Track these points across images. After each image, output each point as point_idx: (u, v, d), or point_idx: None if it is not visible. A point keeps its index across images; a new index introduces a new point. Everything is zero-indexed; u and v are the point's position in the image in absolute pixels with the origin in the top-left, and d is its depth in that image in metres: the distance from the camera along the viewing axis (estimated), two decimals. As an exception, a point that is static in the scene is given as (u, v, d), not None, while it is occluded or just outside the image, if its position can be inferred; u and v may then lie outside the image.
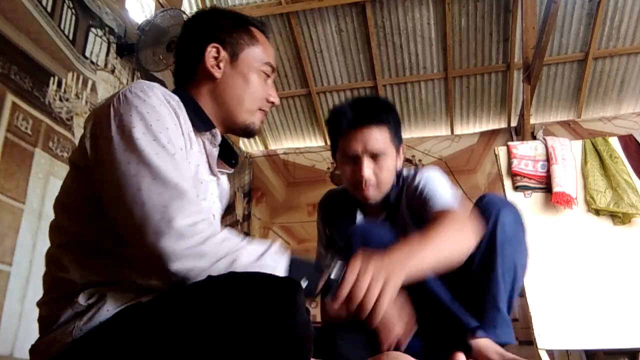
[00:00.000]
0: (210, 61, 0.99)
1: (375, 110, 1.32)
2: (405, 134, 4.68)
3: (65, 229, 0.87)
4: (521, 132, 4.11)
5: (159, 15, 3.01)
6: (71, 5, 2.66)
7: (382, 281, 0.85)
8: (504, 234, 1.18)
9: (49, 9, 2.48)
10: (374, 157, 1.29)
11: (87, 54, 2.75)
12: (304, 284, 0.83)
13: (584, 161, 3.21)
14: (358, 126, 1.30)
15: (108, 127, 0.82)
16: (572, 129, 4.27)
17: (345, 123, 1.32)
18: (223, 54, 1.01)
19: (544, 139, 3.29)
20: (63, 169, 2.43)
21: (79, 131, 2.60)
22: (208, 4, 4.04)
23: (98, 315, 0.78)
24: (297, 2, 3.87)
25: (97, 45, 2.85)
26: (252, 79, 1.02)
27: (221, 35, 1.02)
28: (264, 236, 4.63)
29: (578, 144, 3.27)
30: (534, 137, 4.10)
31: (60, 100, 2.49)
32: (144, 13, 3.43)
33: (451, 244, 1.04)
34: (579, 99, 4.24)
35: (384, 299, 0.84)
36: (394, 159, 1.34)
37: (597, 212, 3.04)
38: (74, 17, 2.68)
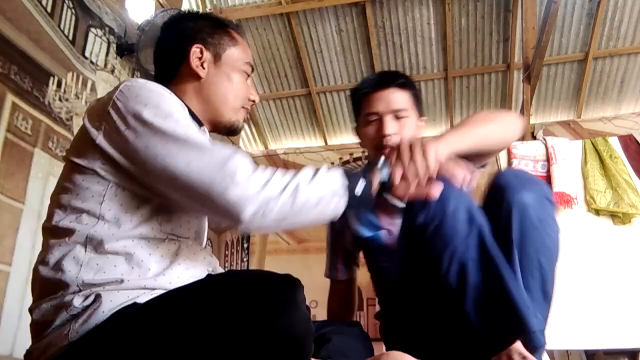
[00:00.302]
0: (194, 61, 1.02)
1: (398, 76, 1.35)
2: (405, 134, 4.69)
3: (65, 227, 0.84)
4: (521, 132, 4.10)
5: (159, 15, 3.01)
6: (71, 5, 2.66)
7: (423, 150, 0.92)
8: (524, 224, 1.02)
9: (48, 9, 2.48)
10: (397, 117, 1.30)
11: (87, 54, 2.75)
12: (362, 184, 0.89)
13: (584, 161, 3.21)
14: (381, 87, 1.32)
15: (123, 121, 0.84)
16: (572, 129, 4.26)
17: (369, 85, 1.35)
18: (206, 54, 1.03)
19: (544, 139, 3.29)
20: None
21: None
22: (208, 4, 4.04)
23: (94, 317, 0.77)
24: (297, 2, 3.87)
25: (96, 45, 2.85)
26: (235, 78, 1.05)
27: (203, 37, 1.04)
28: (264, 236, 4.63)
29: (578, 144, 3.27)
30: (534, 137, 4.09)
31: (60, 100, 2.49)
32: (144, 13, 3.43)
33: (494, 123, 1.11)
34: (579, 99, 4.24)
35: (431, 156, 0.91)
36: (415, 123, 1.34)
37: (597, 212, 3.04)
38: (73, 17, 2.68)
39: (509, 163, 3.09)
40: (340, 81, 4.48)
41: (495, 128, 1.11)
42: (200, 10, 4.03)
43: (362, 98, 1.35)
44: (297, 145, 4.88)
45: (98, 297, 0.79)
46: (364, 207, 0.92)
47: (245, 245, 4.58)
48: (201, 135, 0.85)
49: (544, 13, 3.23)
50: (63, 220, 0.85)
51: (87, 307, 0.78)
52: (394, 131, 1.28)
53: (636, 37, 3.88)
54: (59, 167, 2.41)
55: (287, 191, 0.81)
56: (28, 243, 2.15)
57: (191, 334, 0.70)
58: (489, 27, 4.02)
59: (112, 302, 0.78)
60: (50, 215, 0.89)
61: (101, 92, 2.82)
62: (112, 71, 2.97)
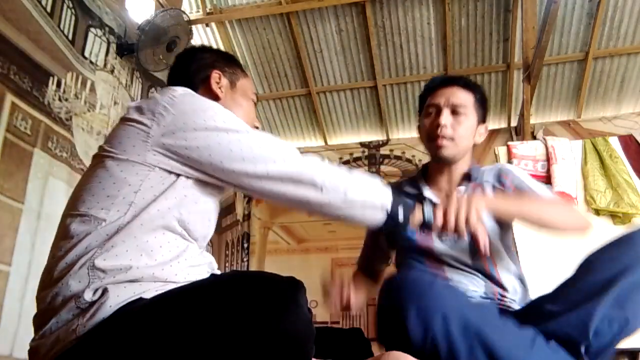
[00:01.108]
0: (214, 84, 1.16)
1: (466, 80, 1.41)
2: (405, 134, 4.68)
3: (95, 216, 0.88)
4: (521, 132, 4.11)
5: (159, 15, 3.01)
6: (71, 5, 2.66)
7: (469, 207, 1.00)
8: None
9: (48, 8, 2.48)
10: (455, 112, 1.34)
11: (87, 54, 2.76)
12: (400, 211, 1.00)
13: (584, 161, 3.21)
14: (445, 84, 1.38)
15: (182, 120, 0.93)
16: (572, 129, 4.26)
17: (435, 82, 1.41)
18: (224, 80, 1.18)
19: (544, 139, 3.29)
20: (62, 169, 2.43)
21: (77, 131, 2.60)
22: (208, 5, 4.04)
23: (100, 311, 0.79)
24: (297, 2, 3.87)
25: (96, 45, 2.85)
26: (245, 104, 1.20)
27: (221, 65, 1.20)
28: (264, 236, 4.63)
29: (578, 144, 3.27)
30: (534, 137, 4.10)
31: (60, 100, 2.49)
32: (144, 13, 3.43)
33: (547, 209, 1.18)
34: (579, 99, 4.23)
35: (473, 217, 0.99)
36: (473, 125, 1.37)
37: (597, 212, 3.04)
38: (73, 17, 2.68)
39: (509, 163, 3.08)
40: (340, 81, 4.48)
41: (553, 213, 1.18)
42: (200, 11, 4.03)
43: (427, 94, 1.41)
44: (297, 145, 4.88)
45: (105, 291, 0.80)
46: (399, 229, 1.02)
47: (245, 245, 4.58)
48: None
49: (544, 13, 3.22)
50: (94, 208, 0.88)
51: (95, 301, 0.80)
52: (449, 122, 1.32)
53: (636, 37, 3.88)
54: (58, 167, 2.41)
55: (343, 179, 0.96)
56: (27, 243, 2.15)
57: (194, 331, 0.72)
58: (489, 27, 4.02)
59: (119, 297, 0.80)
60: (78, 202, 0.91)
61: (100, 92, 2.82)
62: (112, 71, 2.97)
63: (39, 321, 0.86)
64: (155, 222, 0.89)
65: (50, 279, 0.86)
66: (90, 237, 0.85)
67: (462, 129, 1.34)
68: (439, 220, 1.00)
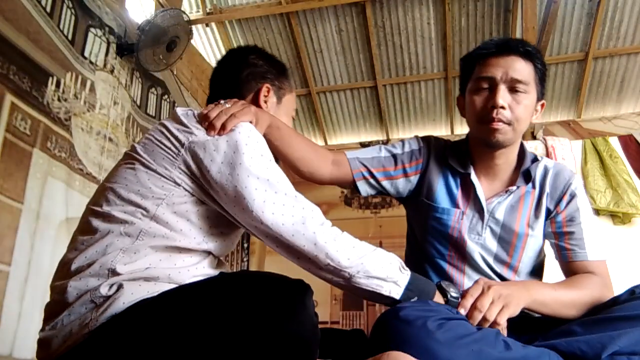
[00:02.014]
0: (262, 98, 1.14)
1: (527, 45, 1.15)
2: (406, 134, 4.68)
3: (119, 218, 0.88)
4: (521, 132, 4.10)
5: (159, 15, 3.01)
6: (70, 5, 2.66)
7: (500, 306, 0.94)
8: None
9: (48, 8, 2.48)
10: (513, 89, 1.11)
11: (87, 54, 2.75)
12: (414, 297, 0.95)
13: (584, 161, 3.21)
14: (503, 52, 1.12)
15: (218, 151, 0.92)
16: (572, 129, 4.26)
17: (489, 48, 1.14)
18: (272, 95, 1.16)
19: (544, 139, 3.29)
20: (61, 169, 2.43)
21: (77, 131, 2.59)
22: (208, 5, 4.04)
23: (113, 306, 0.80)
24: (297, 2, 3.87)
25: (96, 45, 2.85)
26: (285, 122, 1.17)
27: (272, 79, 1.17)
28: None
29: (578, 144, 3.27)
30: (534, 137, 4.09)
31: (59, 100, 2.49)
32: (144, 13, 3.43)
33: (584, 300, 1.06)
34: (579, 99, 4.23)
35: (501, 320, 0.94)
36: (533, 104, 1.14)
37: (597, 212, 3.04)
38: (73, 17, 2.68)
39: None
40: (340, 81, 4.48)
41: (580, 306, 1.06)
42: (200, 11, 4.03)
43: (477, 60, 1.16)
44: (297, 145, 4.88)
45: (120, 287, 0.82)
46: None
47: (245, 245, 4.58)
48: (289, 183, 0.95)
49: (544, 13, 3.22)
50: (117, 209, 0.89)
51: (109, 296, 0.81)
52: (507, 103, 1.10)
53: (636, 37, 3.88)
54: (57, 167, 2.41)
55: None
56: (27, 243, 2.15)
57: (201, 329, 0.73)
58: (489, 27, 4.02)
59: (133, 294, 0.81)
60: (102, 200, 0.92)
61: (100, 92, 2.81)
62: (112, 71, 2.97)
63: (51, 310, 0.86)
64: (179, 241, 0.90)
65: (68, 270, 0.86)
66: (112, 237, 0.87)
67: (522, 110, 1.11)
68: (465, 311, 0.95)
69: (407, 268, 0.96)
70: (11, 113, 2.18)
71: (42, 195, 2.29)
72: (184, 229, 0.90)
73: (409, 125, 4.66)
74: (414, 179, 1.26)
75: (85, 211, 0.95)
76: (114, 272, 0.83)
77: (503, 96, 1.10)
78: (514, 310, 0.95)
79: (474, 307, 0.94)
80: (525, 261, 1.19)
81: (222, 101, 1.01)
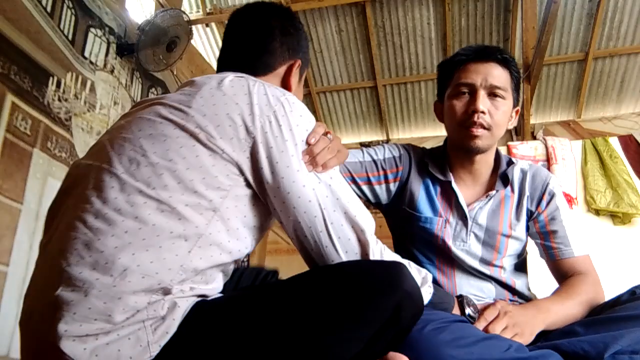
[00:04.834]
0: (294, 76, 0.99)
1: (504, 52, 1.19)
2: (405, 134, 4.68)
3: (179, 211, 0.72)
4: (521, 132, 4.11)
5: (159, 15, 3.01)
6: (71, 5, 2.66)
7: (512, 334, 0.95)
8: None
9: (48, 9, 2.48)
10: (492, 95, 1.14)
11: (87, 54, 2.75)
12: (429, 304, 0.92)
13: (584, 161, 3.21)
14: (482, 59, 1.16)
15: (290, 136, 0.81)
16: (572, 129, 4.26)
17: (468, 54, 1.18)
18: (297, 72, 1.00)
19: (544, 139, 3.29)
20: (61, 170, 2.43)
21: (77, 131, 2.59)
22: (208, 5, 4.04)
23: (172, 326, 0.68)
24: (297, 2, 3.87)
25: (96, 45, 2.85)
26: (300, 96, 1.04)
27: (302, 54, 1.01)
28: (264, 236, 4.63)
29: (578, 144, 3.27)
30: (534, 137, 4.10)
31: (59, 100, 2.49)
32: (144, 13, 3.43)
33: (585, 306, 1.08)
34: (579, 99, 4.23)
35: (520, 340, 0.94)
36: (510, 110, 1.18)
37: (597, 212, 3.04)
38: (73, 17, 2.68)
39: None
40: (340, 81, 4.48)
41: (585, 309, 1.09)
42: (200, 11, 4.03)
43: (456, 67, 1.19)
44: (297, 145, 4.89)
45: (174, 304, 0.70)
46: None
47: (245, 246, 4.58)
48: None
49: (544, 13, 3.22)
50: (178, 198, 0.72)
51: (166, 316, 0.69)
52: (486, 108, 1.13)
53: (636, 37, 3.88)
54: (57, 167, 2.41)
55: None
56: (26, 243, 2.15)
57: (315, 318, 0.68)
58: (489, 27, 4.02)
59: (181, 309, 0.70)
60: (154, 180, 0.73)
61: (100, 92, 2.82)
62: (112, 71, 2.97)
63: (69, 306, 0.66)
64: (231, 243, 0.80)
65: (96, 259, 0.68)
66: (169, 240, 0.72)
67: (500, 115, 1.14)
68: (480, 328, 0.96)
69: (432, 285, 0.94)
70: (12, 113, 2.18)
71: (41, 195, 2.29)
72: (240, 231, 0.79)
73: (409, 125, 4.66)
74: (394, 186, 1.27)
75: (124, 181, 0.73)
76: (166, 292, 0.69)
77: (483, 101, 1.13)
78: (526, 340, 0.96)
79: (485, 331, 0.95)
80: (509, 260, 1.22)
81: (329, 135, 0.87)
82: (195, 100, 0.79)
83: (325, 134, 0.85)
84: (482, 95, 1.13)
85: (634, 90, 4.15)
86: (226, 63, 0.97)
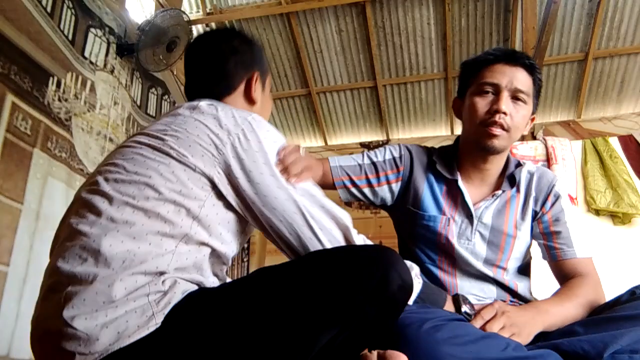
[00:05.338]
0: (254, 88, 1.04)
1: (530, 59, 1.22)
2: (406, 134, 4.68)
3: (163, 216, 0.81)
4: (521, 132, 4.10)
5: (159, 15, 3.01)
6: (71, 6, 2.66)
7: (510, 334, 0.95)
8: None
9: (48, 9, 2.48)
10: (515, 98, 1.16)
11: (87, 54, 2.76)
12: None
13: (584, 161, 3.21)
14: (510, 61, 1.18)
15: (260, 152, 0.88)
16: (572, 129, 4.26)
17: (497, 55, 1.20)
18: (259, 82, 1.06)
19: (544, 139, 3.29)
20: (61, 170, 2.43)
21: (77, 132, 2.60)
22: (208, 5, 4.04)
23: (173, 298, 0.76)
24: (297, 2, 3.87)
25: (96, 45, 2.85)
26: (269, 106, 1.11)
27: (260, 64, 1.08)
28: (264, 236, 4.63)
29: (578, 144, 3.27)
30: (534, 137, 4.09)
31: (59, 100, 2.49)
32: (144, 13, 3.43)
33: (585, 308, 1.08)
34: (579, 99, 4.23)
35: (517, 340, 0.93)
36: (529, 115, 1.20)
37: (597, 212, 3.04)
38: (73, 17, 2.68)
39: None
40: (340, 81, 4.48)
41: (584, 312, 1.09)
42: (200, 11, 4.03)
43: (483, 65, 1.20)
44: (297, 145, 4.88)
45: (176, 282, 0.79)
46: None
47: (246, 245, 4.58)
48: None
49: (544, 13, 3.22)
50: (160, 207, 0.81)
51: (168, 291, 0.77)
52: (508, 110, 1.14)
53: (636, 37, 3.88)
54: (57, 167, 2.41)
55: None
56: (26, 243, 2.15)
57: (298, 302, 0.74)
58: (489, 27, 4.02)
59: (185, 287, 0.80)
60: (137, 192, 0.82)
61: (100, 93, 2.82)
62: (112, 71, 2.97)
63: (74, 288, 0.75)
64: (215, 244, 0.88)
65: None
66: (157, 237, 0.80)
67: (520, 119, 1.16)
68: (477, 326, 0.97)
69: (420, 277, 0.97)
70: (12, 113, 2.18)
71: (42, 195, 2.29)
72: (221, 234, 0.87)
73: (409, 125, 4.66)
74: (396, 187, 1.29)
75: (112, 197, 0.82)
76: (162, 274, 0.78)
77: (506, 103, 1.14)
78: (524, 340, 0.96)
79: (482, 330, 0.95)
80: (513, 262, 1.22)
81: (301, 149, 0.93)
82: (170, 129, 0.89)
83: (297, 149, 0.92)
84: (505, 96, 1.15)
85: (634, 90, 4.15)
86: (193, 92, 1.05)
